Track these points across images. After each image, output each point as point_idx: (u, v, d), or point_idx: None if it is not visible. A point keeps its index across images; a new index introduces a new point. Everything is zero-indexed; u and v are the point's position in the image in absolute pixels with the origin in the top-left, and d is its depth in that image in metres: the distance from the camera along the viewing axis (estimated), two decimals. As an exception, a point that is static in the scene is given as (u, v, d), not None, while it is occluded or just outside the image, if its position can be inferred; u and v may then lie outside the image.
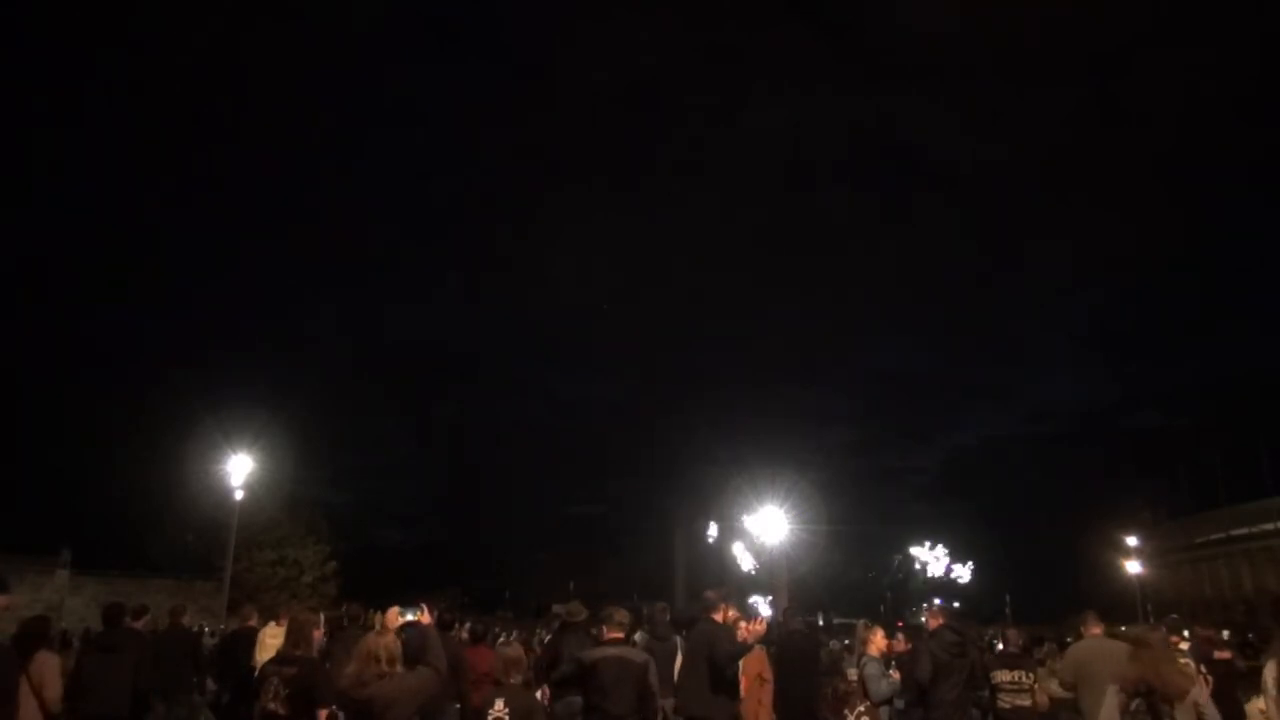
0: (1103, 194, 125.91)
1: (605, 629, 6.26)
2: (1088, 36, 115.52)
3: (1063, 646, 11.83)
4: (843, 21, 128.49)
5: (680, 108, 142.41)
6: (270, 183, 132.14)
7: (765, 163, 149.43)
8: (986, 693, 7.73)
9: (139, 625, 8.67)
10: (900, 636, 8.18)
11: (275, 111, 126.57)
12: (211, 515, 34.44)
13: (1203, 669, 7.56)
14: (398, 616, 5.84)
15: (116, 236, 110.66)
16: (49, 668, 5.71)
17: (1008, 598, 60.77)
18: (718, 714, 6.92)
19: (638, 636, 9.15)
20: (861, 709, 7.30)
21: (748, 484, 40.54)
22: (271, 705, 4.95)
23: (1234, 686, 7.90)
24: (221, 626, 22.82)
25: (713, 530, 53.16)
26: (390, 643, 4.72)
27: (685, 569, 58.52)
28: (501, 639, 15.63)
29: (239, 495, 26.24)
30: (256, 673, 6.32)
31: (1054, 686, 7.64)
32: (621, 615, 6.17)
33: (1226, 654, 8.76)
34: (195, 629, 14.71)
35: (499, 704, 5.08)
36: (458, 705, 7.34)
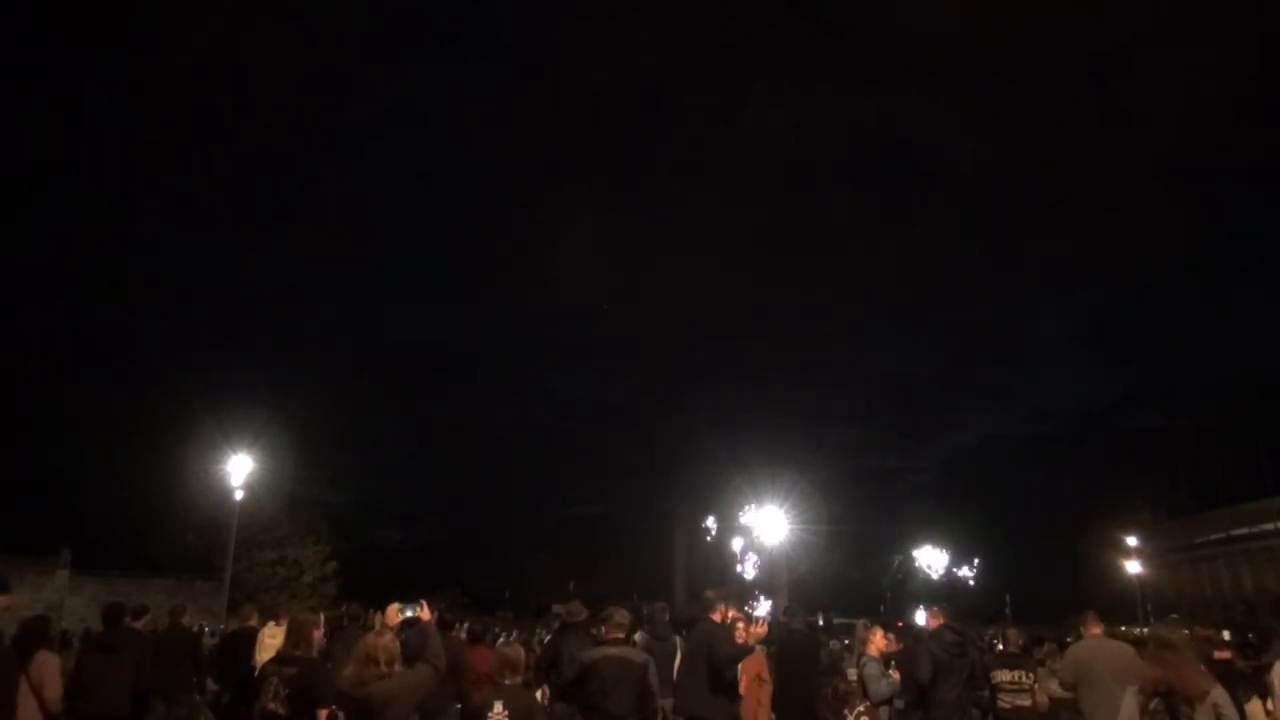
0: (1103, 194, 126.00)
1: (605, 629, 6.26)
2: (1088, 36, 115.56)
3: (1063, 646, 11.82)
4: (843, 21, 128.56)
5: (680, 108, 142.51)
6: (270, 183, 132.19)
7: (765, 163, 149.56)
8: (986, 693, 7.74)
9: (139, 625, 8.67)
10: (891, 636, 8.17)
11: (275, 111, 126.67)
12: (211, 515, 34.44)
13: (1202, 669, 7.55)
14: (398, 613, 5.83)
15: (116, 236, 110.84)
16: (49, 668, 5.71)
17: (1008, 598, 60.75)
18: (716, 714, 6.93)
19: (638, 636, 9.15)
20: (861, 709, 7.29)
21: (748, 484, 40.59)
22: (271, 705, 4.95)
23: (1234, 687, 7.87)
24: (221, 626, 22.81)
25: (712, 524, 53.11)
26: (389, 644, 4.72)
27: (685, 569, 58.56)
28: (501, 639, 15.65)
29: (239, 495, 26.23)
30: (256, 673, 6.33)
31: (1054, 686, 7.63)
32: (621, 615, 6.17)
33: (1226, 654, 8.74)
34: (195, 629, 14.71)
35: (498, 706, 5.07)
36: (458, 705, 7.34)
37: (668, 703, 7.57)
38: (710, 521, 53.29)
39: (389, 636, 4.82)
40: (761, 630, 7.57)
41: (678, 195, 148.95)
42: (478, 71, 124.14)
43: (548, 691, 7.55)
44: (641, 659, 5.93)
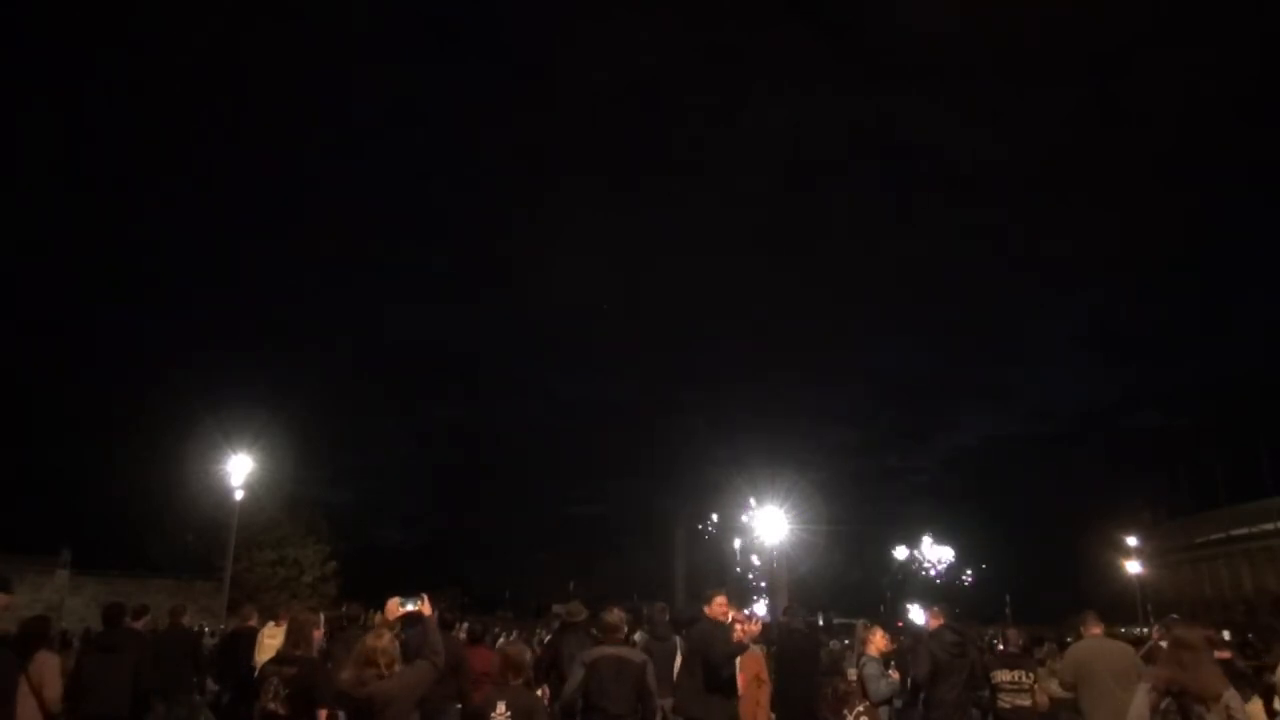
0: (1103, 194, 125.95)
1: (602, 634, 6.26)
2: (1088, 36, 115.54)
3: (1063, 646, 11.82)
4: (843, 21, 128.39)
5: (680, 108, 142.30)
6: (270, 183, 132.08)
7: (765, 163, 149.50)
8: (986, 693, 7.74)
9: (139, 625, 8.67)
10: (886, 635, 8.19)
11: (275, 111, 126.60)
12: (211, 515, 34.45)
13: (1218, 671, 7.54)
14: (398, 607, 5.82)
15: (116, 236, 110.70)
16: (49, 668, 5.71)
17: (1008, 598, 60.82)
18: (715, 714, 6.93)
19: (637, 636, 9.15)
20: (861, 709, 7.29)
21: (748, 484, 40.63)
22: (271, 705, 4.95)
23: (1234, 687, 7.89)
24: (221, 626, 22.82)
25: (712, 524, 53.10)
26: (388, 646, 4.73)
27: (685, 569, 58.58)
28: (502, 639, 15.65)
29: (239, 495, 26.26)
30: (256, 673, 6.32)
31: (1054, 686, 7.64)
32: (614, 617, 6.15)
33: (1226, 654, 8.75)
34: (195, 629, 14.71)
35: (501, 705, 5.07)
36: (458, 705, 7.34)
37: (667, 702, 7.57)
38: (710, 521, 53.36)
39: (388, 638, 4.82)
40: (755, 628, 7.58)
41: (678, 195, 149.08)
42: (478, 71, 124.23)
43: (548, 691, 7.55)
44: (640, 658, 5.94)
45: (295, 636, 5.30)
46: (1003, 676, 7.56)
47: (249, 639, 10.03)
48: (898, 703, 7.84)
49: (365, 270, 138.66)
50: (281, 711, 4.93)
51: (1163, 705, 4.48)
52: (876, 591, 70.40)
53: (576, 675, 5.75)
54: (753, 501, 39.12)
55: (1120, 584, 46.88)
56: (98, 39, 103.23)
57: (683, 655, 7.89)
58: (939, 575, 70.12)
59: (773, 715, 8.16)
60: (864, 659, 7.61)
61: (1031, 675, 7.63)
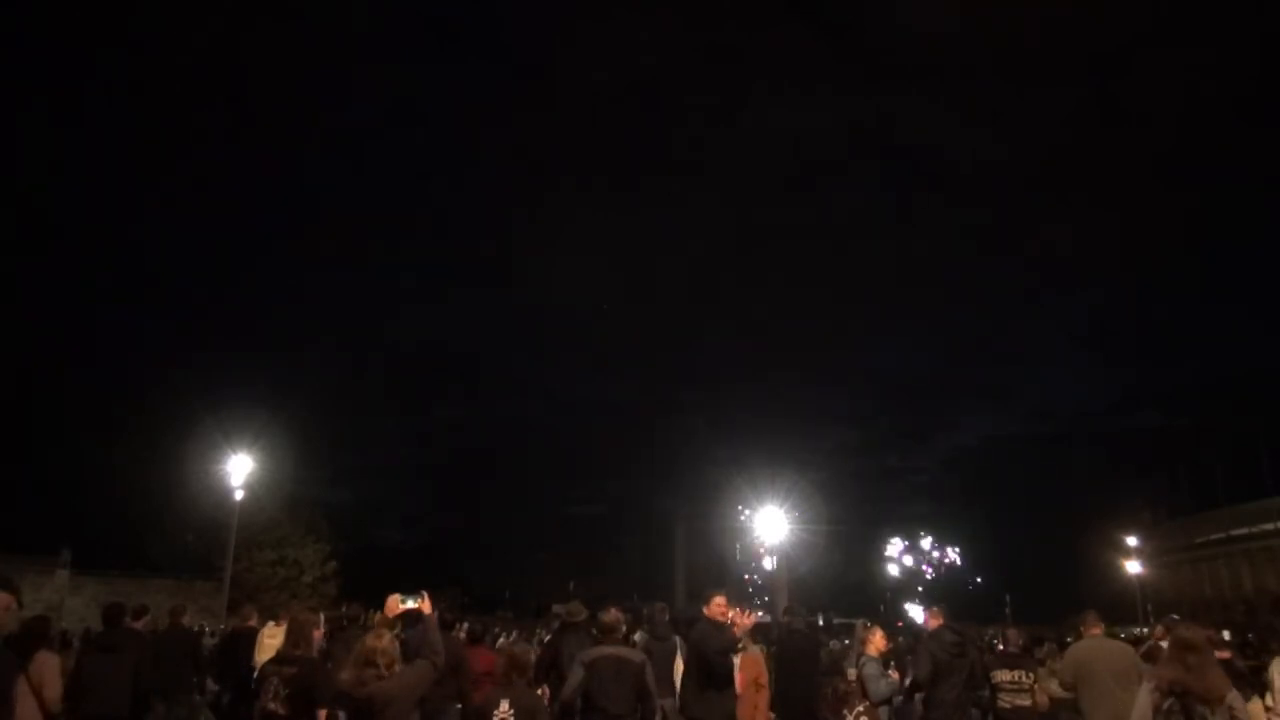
0: (1103, 194, 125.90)
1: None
2: (1088, 36, 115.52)
3: (1063, 646, 11.82)
4: (843, 21, 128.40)
5: (680, 108, 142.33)
6: (270, 182, 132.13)
7: (765, 163, 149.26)
8: (986, 693, 7.74)
9: (139, 625, 8.67)
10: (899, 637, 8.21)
11: (275, 111, 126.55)
12: (211, 515, 34.45)
13: (1221, 672, 7.55)
14: (398, 604, 5.82)
15: (116, 236, 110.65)
16: (49, 668, 5.71)
17: (1008, 598, 60.84)
18: (715, 712, 6.95)
19: (637, 636, 9.15)
20: (861, 709, 7.30)
21: (748, 484, 40.63)
22: (271, 705, 4.95)
23: (1234, 687, 7.89)
24: (221, 626, 22.82)
25: (712, 524, 53.05)
26: (387, 646, 4.73)
27: (685, 569, 58.60)
28: (502, 639, 15.65)
29: (239, 495, 26.26)
30: (256, 673, 6.32)
31: (1054, 686, 7.64)
32: (611, 617, 6.15)
33: (1226, 654, 8.75)
34: (195, 629, 14.71)
35: (504, 704, 5.08)
36: (458, 705, 7.35)
37: (668, 702, 7.58)
38: (710, 521, 53.38)
39: (388, 639, 4.82)
40: (749, 620, 7.58)
41: (678, 195, 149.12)
42: (478, 71, 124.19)
43: (547, 691, 7.55)
44: (638, 658, 5.95)
45: (295, 636, 5.30)
46: (1003, 676, 7.56)
47: (249, 639, 10.03)
48: (897, 700, 7.85)
49: (365, 270, 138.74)
50: (281, 711, 4.93)
51: (1165, 705, 4.48)
52: (876, 591, 70.48)
53: (575, 675, 5.76)
54: (753, 502, 39.07)
55: (1120, 584, 46.85)
56: (98, 39, 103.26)
57: (684, 656, 7.90)
58: (939, 575, 70.17)
59: (772, 716, 8.15)
60: (864, 659, 7.61)
61: (1031, 675, 7.63)
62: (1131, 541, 44.81)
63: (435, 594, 6.03)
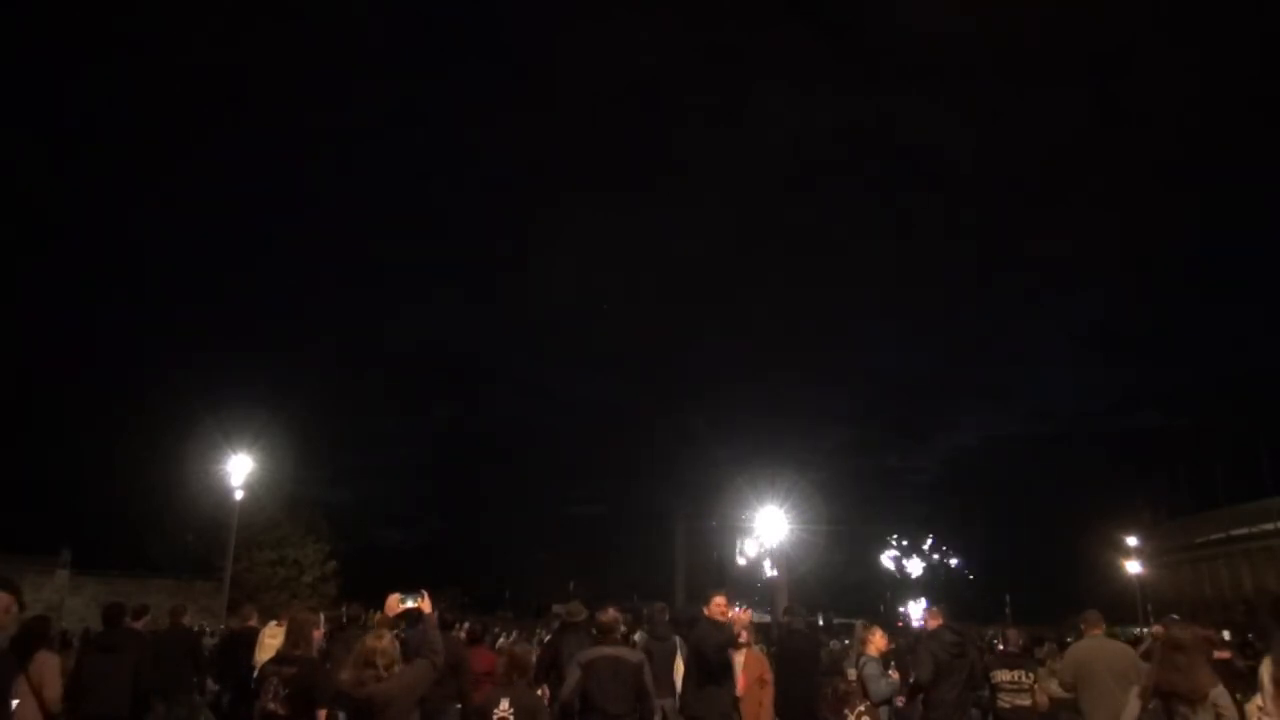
0: (1103, 194, 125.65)
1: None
2: (1088, 36, 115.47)
3: (1063, 646, 11.83)
4: (843, 21, 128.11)
5: (680, 108, 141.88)
6: (270, 182, 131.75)
7: (765, 162, 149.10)
8: (986, 693, 7.74)
9: (139, 625, 8.68)
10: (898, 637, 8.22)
11: (275, 111, 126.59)
12: (211, 515, 34.46)
13: (1209, 670, 7.56)
14: (398, 604, 5.82)
15: (116, 236, 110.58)
16: (49, 668, 5.71)
17: (1008, 598, 60.83)
18: (714, 711, 6.96)
19: (637, 636, 9.15)
20: (861, 709, 7.30)
21: (748, 484, 40.63)
22: (271, 705, 4.96)
23: (1233, 686, 7.90)
24: (221, 626, 22.82)
25: (713, 524, 53.04)
26: (387, 647, 4.73)
27: (685, 569, 58.57)
28: (502, 639, 15.66)
29: (239, 495, 26.27)
30: (256, 672, 6.32)
31: (1054, 686, 7.64)
32: (609, 616, 6.14)
33: (1226, 654, 8.76)
34: (195, 629, 14.71)
35: (504, 704, 5.09)
36: (458, 705, 7.35)
37: (668, 702, 7.58)
38: (710, 521, 53.38)
39: (387, 639, 4.83)
40: (746, 616, 7.60)
41: (678, 195, 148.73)
42: (478, 71, 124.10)
43: (547, 691, 7.56)
44: (636, 658, 5.95)
45: (295, 636, 5.31)
46: (1003, 676, 7.56)
47: (249, 639, 10.03)
48: (899, 702, 7.85)
49: (365, 270, 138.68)
50: (281, 711, 4.93)
51: (1150, 705, 4.53)
52: (876, 591, 70.50)
53: (573, 676, 5.76)
54: (753, 502, 39.08)
55: (1120, 584, 46.85)
56: (98, 38, 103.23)
57: (683, 656, 7.91)
58: (939, 575, 70.20)
59: (774, 717, 8.16)
60: (864, 659, 7.62)
61: (1031, 675, 7.63)
62: (1131, 541, 44.82)
63: (435, 594, 6.03)
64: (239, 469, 26.31)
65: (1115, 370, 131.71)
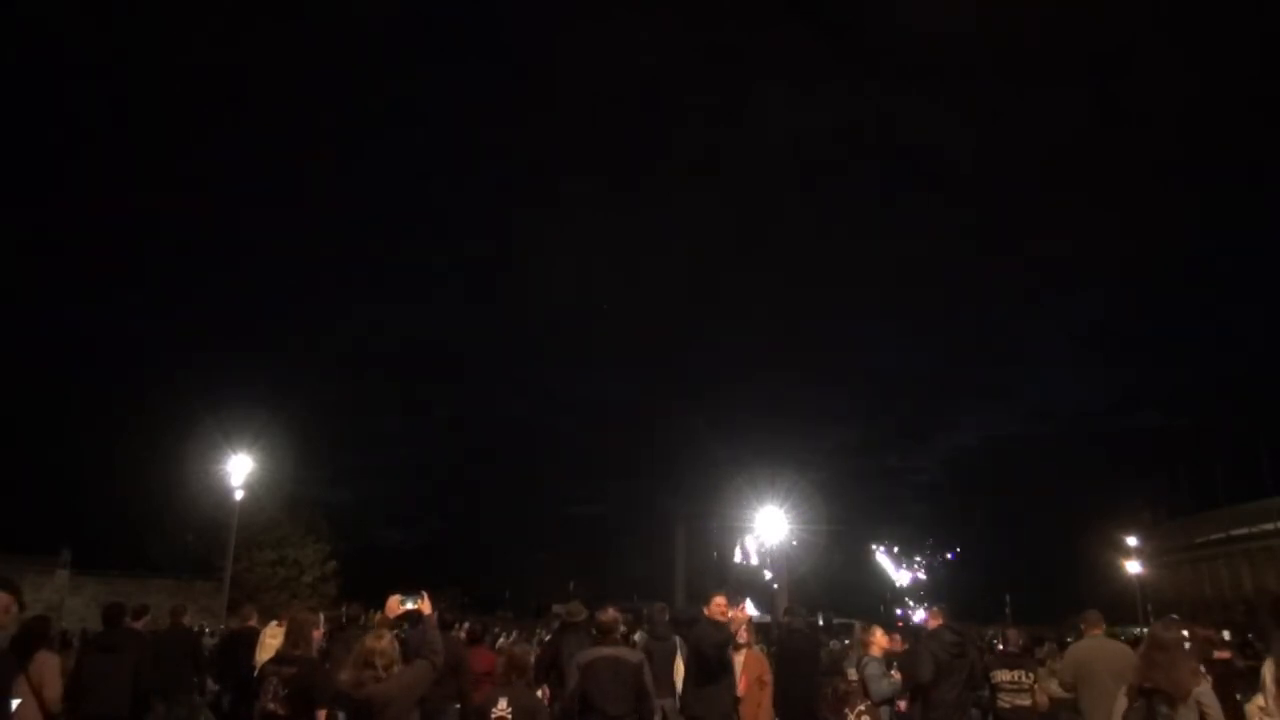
0: (1103, 194, 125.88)
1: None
2: (1088, 36, 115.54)
3: (1063, 646, 11.83)
4: (843, 21, 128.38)
5: (681, 108, 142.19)
6: (270, 182, 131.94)
7: (765, 163, 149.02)
8: (986, 693, 7.74)
9: (139, 625, 8.67)
10: (895, 635, 8.20)
11: (275, 111, 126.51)
12: (211, 515, 34.46)
13: (1202, 669, 7.57)
14: (399, 605, 5.82)
15: (117, 236, 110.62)
16: (49, 668, 5.70)
17: (1008, 598, 60.85)
18: (714, 710, 6.96)
19: (637, 636, 9.15)
20: (862, 708, 7.30)
21: (748, 484, 40.63)
22: (271, 705, 4.96)
23: (1233, 686, 7.90)
24: (221, 626, 22.82)
25: (724, 523, 52.99)
26: (386, 647, 4.73)
27: (685, 569, 58.57)
28: (502, 639, 15.65)
29: (239, 495, 26.27)
30: (256, 673, 6.32)
31: (1054, 686, 7.63)
32: (609, 616, 6.13)
33: (1226, 654, 8.76)
34: (195, 629, 14.71)
35: (502, 703, 5.08)
36: (458, 705, 7.35)
37: (668, 703, 7.58)
38: (710, 521, 53.39)
39: (387, 639, 4.82)
40: (743, 614, 7.60)
41: (678, 195, 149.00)
42: (478, 71, 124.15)
43: (548, 691, 7.56)
44: (636, 658, 5.94)
45: (294, 636, 5.31)
46: (1003, 676, 7.56)
47: (249, 639, 10.03)
48: (900, 706, 7.84)
49: (365, 270, 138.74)
50: (281, 711, 4.93)
51: (1135, 704, 4.56)
52: (876, 591, 70.53)
53: (573, 679, 5.75)
54: (753, 502, 39.08)
55: (1120, 584, 46.85)
56: (98, 38, 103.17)
57: (684, 656, 7.91)
58: (939, 575, 70.17)
59: (774, 717, 8.16)
60: (866, 659, 7.61)
61: (1031, 675, 7.63)
62: (1131, 541, 44.81)
63: (435, 594, 6.03)
64: (239, 469, 26.31)
65: (1115, 370, 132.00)
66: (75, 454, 47.96)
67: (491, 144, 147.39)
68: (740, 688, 7.59)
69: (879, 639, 7.80)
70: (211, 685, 10.39)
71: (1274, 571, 51.36)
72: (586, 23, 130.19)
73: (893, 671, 7.68)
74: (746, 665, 7.85)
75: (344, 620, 8.89)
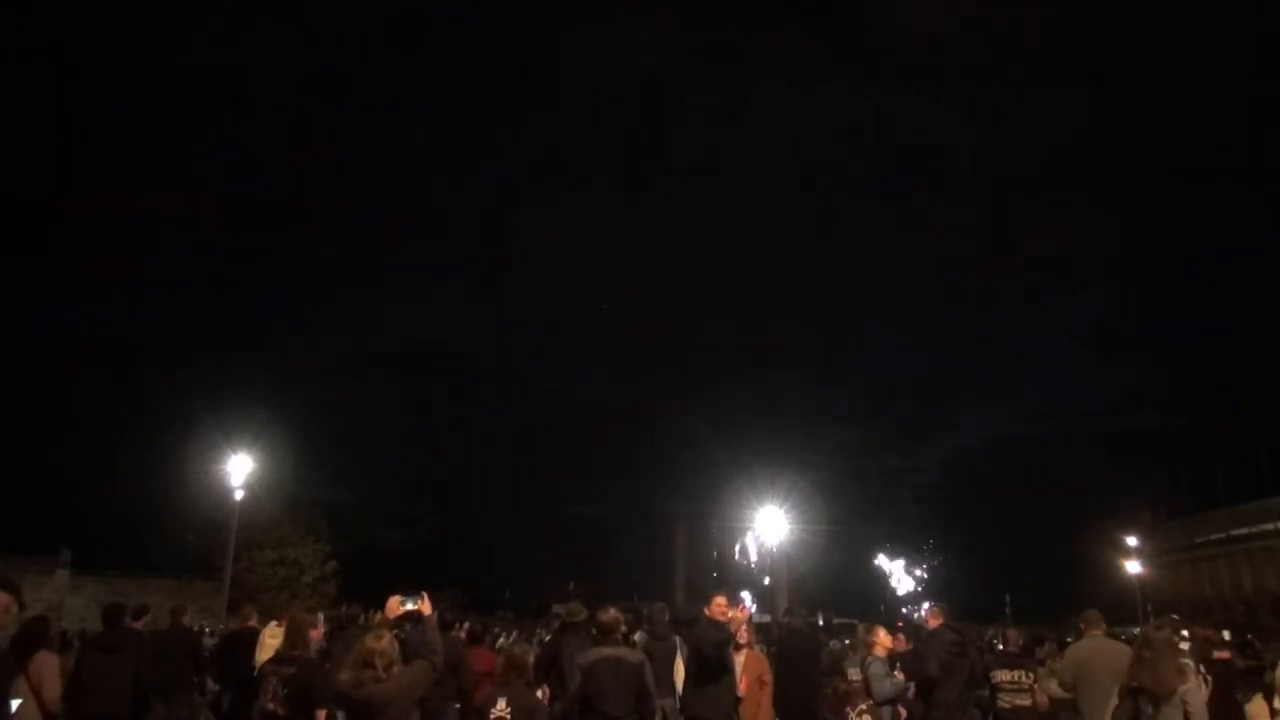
0: (1103, 194, 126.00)
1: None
2: (1088, 36, 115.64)
3: (1063, 646, 11.83)
4: (843, 21, 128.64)
5: (681, 108, 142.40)
6: (270, 183, 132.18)
7: (765, 163, 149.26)
8: (986, 692, 7.73)
9: (139, 625, 8.67)
10: (900, 635, 8.19)
11: (275, 111, 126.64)
12: (211, 515, 34.47)
13: (1201, 669, 7.56)
14: (399, 606, 5.82)
15: (117, 236, 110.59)
16: (49, 668, 5.70)
17: (1008, 598, 60.87)
18: (714, 710, 6.96)
19: (637, 636, 9.15)
20: (863, 707, 7.29)
21: (748, 484, 40.64)
22: (270, 705, 4.96)
23: (1233, 687, 7.89)
24: (221, 626, 22.82)
25: (724, 524, 53.01)
26: (386, 647, 4.73)
27: (685, 569, 58.60)
28: (502, 639, 15.65)
29: (239, 495, 26.28)
30: (256, 673, 6.32)
31: (1054, 686, 7.63)
32: (609, 616, 6.13)
33: (1226, 654, 8.75)
34: (195, 629, 14.70)
35: (501, 703, 5.08)
36: (457, 705, 7.34)
37: (668, 703, 7.58)
38: (710, 521, 53.39)
39: (387, 640, 4.82)
40: (743, 613, 7.60)
41: (678, 196, 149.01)
42: (478, 71, 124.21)
43: (548, 691, 7.56)
44: (636, 658, 5.93)
45: (293, 636, 5.31)
46: (1003, 676, 7.55)
47: (249, 639, 10.01)
48: (903, 710, 7.83)
49: (365, 270, 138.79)
50: (280, 711, 4.93)
51: (1124, 703, 4.62)
52: (876, 591, 70.54)
53: (574, 680, 5.75)
54: (753, 502, 39.09)
55: (1120, 584, 46.86)
56: (98, 38, 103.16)
57: (684, 656, 7.91)
58: (939, 575, 70.18)
59: (774, 716, 8.16)
60: (870, 659, 7.61)
61: (1031, 675, 7.62)
62: (1131, 541, 44.81)
63: (435, 594, 6.03)
64: (239, 469, 26.32)
65: (1115, 370, 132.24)
66: (75, 454, 48.01)
67: (491, 144, 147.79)
68: (740, 688, 7.59)
69: (883, 639, 7.79)
70: (211, 685, 10.38)
71: (1274, 571, 51.37)
72: (586, 23, 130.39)
73: (896, 672, 7.68)
74: (747, 665, 7.85)
75: (344, 620, 8.88)
